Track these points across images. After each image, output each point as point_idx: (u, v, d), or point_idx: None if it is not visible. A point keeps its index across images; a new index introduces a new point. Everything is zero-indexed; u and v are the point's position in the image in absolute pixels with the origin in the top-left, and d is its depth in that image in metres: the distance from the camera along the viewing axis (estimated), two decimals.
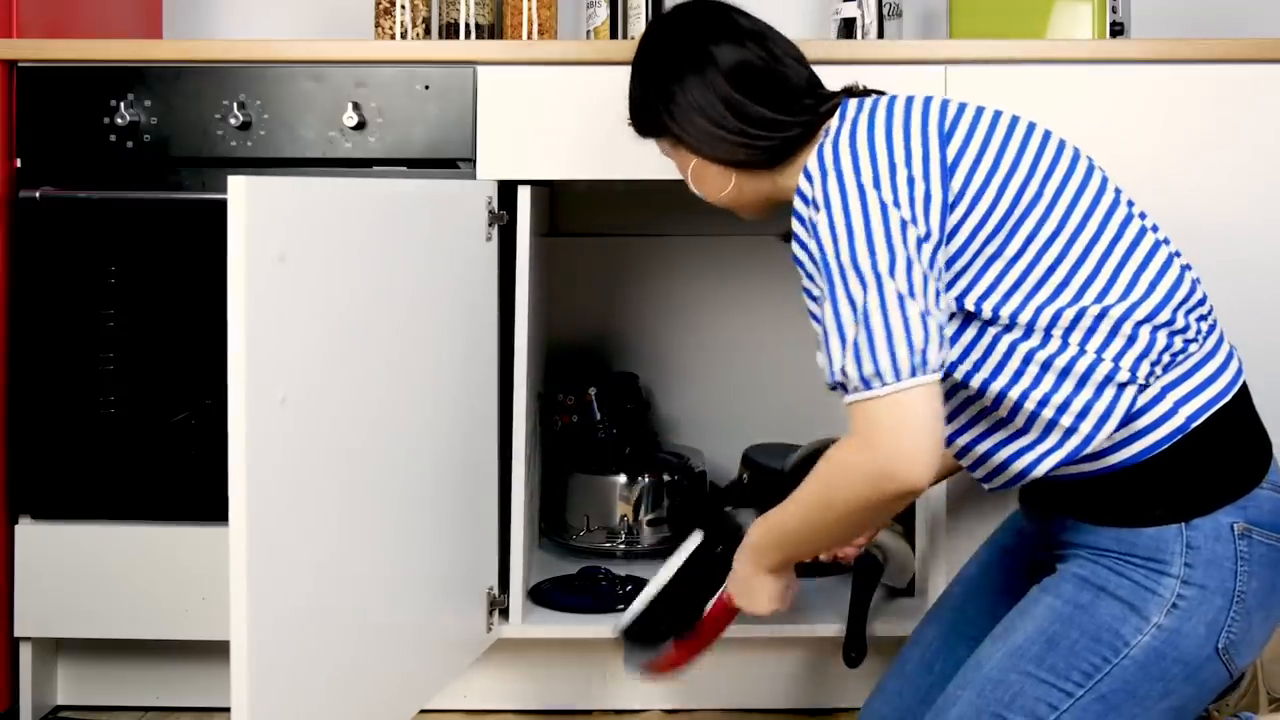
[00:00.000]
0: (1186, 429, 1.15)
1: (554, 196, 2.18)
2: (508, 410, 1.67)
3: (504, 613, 1.68)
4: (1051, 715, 1.13)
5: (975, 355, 1.17)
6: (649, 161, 1.67)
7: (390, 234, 1.40)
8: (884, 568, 1.72)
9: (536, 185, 1.69)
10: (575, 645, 1.76)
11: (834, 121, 1.24)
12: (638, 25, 2.02)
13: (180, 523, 1.68)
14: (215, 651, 1.73)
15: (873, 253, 1.11)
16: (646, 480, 1.98)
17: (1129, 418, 1.15)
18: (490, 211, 1.63)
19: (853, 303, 1.11)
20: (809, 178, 1.19)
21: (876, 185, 1.13)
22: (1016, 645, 1.16)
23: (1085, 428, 1.14)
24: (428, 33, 2.00)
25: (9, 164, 1.69)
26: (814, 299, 1.22)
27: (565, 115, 1.67)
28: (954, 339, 1.17)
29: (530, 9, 1.96)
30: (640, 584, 1.81)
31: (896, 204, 1.12)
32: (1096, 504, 1.18)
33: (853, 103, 1.25)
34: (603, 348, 2.22)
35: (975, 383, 1.18)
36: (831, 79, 1.66)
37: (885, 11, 1.98)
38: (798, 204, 1.21)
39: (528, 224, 1.65)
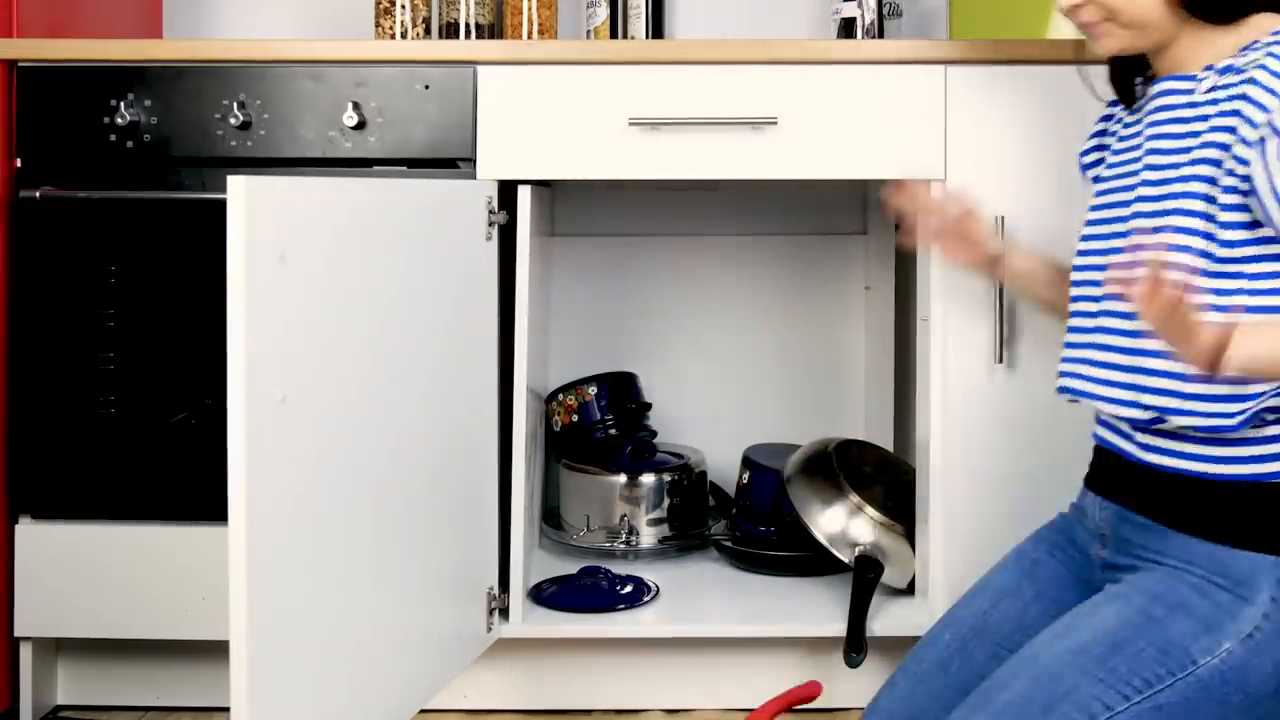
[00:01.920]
0: None
1: (554, 196, 2.18)
2: (508, 410, 1.67)
3: (504, 612, 1.69)
4: (1104, 715, 1.10)
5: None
6: (649, 161, 1.67)
7: (390, 234, 1.40)
8: (884, 568, 1.72)
9: (536, 185, 1.70)
10: (575, 645, 1.76)
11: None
12: (638, 25, 2.02)
13: (180, 523, 1.68)
14: (215, 651, 1.73)
15: None
16: (646, 480, 1.99)
17: None
18: (490, 211, 1.63)
19: None
20: None
21: None
22: (1080, 643, 1.14)
23: (1245, 408, 1.10)
24: (428, 32, 2.00)
25: (9, 164, 1.69)
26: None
27: (565, 115, 1.67)
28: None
29: (530, 9, 1.96)
30: (640, 584, 1.81)
31: None
32: (1202, 512, 1.15)
33: None
34: (603, 348, 2.22)
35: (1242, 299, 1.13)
36: (831, 79, 1.67)
37: (885, 11, 1.98)
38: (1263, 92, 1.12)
39: (528, 224, 1.65)
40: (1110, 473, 1.27)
